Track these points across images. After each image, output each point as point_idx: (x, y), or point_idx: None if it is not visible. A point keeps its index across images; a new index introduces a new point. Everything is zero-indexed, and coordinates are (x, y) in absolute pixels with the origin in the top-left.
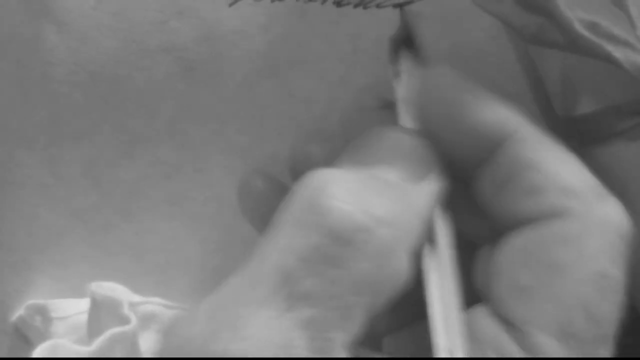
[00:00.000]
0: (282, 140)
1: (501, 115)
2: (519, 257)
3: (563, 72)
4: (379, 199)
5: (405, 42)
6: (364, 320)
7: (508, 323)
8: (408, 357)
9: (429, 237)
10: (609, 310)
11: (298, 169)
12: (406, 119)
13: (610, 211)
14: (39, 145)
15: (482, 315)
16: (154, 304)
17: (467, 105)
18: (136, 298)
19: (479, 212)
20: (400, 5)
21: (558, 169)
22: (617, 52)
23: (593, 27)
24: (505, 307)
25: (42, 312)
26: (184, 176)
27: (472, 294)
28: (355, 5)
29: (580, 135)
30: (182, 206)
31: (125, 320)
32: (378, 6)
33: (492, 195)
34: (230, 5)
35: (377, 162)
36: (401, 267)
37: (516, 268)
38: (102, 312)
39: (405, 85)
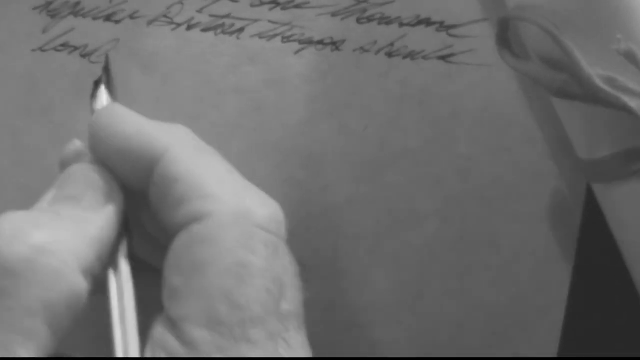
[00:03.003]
0: (337, 174)
1: (151, 140)
2: (170, 262)
3: (584, 121)
4: (44, 231)
5: (105, 84)
6: (49, 335)
7: (172, 322)
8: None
9: (111, 256)
10: (251, 294)
11: None
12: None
13: (247, 207)
14: None
15: (158, 320)
16: None
17: (124, 134)
18: None
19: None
20: (444, 58)
21: (201, 180)
22: (632, 103)
23: (611, 81)
24: (167, 308)
25: None
26: None
27: None
28: (404, 57)
29: (599, 175)
30: None
31: None
32: (424, 58)
33: (157, 212)
34: (296, 53)
35: (65, 197)
36: (76, 286)
37: (169, 272)
38: None
39: None
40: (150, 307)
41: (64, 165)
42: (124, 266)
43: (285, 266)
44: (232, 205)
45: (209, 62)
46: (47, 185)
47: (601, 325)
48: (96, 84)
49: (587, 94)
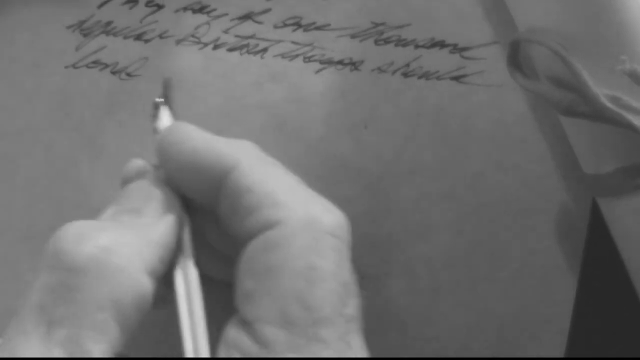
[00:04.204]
0: (353, 186)
1: (221, 154)
2: (243, 267)
3: (590, 138)
4: (109, 234)
5: (165, 104)
6: (118, 332)
7: (246, 324)
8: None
9: (177, 260)
10: (322, 296)
11: None
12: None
13: (315, 214)
14: None
15: (231, 323)
16: None
17: (194, 150)
18: None
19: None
20: (457, 78)
21: (271, 189)
22: (636, 120)
23: (616, 100)
24: (241, 310)
25: None
26: None
27: None
28: (419, 77)
29: (604, 190)
30: None
31: None
32: (438, 78)
33: (228, 221)
34: (317, 72)
35: (125, 210)
36: (142, 285)
37: (243, 277)
38: None
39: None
40: (212, 317)
41: (125, 183)
42: (192, 269)
43: (350, 272)
44: (301, 213)
45: (234, 80)
46: (78, 198)
47: (605, 334)
48: (156, 105)
49: (593, 112)
